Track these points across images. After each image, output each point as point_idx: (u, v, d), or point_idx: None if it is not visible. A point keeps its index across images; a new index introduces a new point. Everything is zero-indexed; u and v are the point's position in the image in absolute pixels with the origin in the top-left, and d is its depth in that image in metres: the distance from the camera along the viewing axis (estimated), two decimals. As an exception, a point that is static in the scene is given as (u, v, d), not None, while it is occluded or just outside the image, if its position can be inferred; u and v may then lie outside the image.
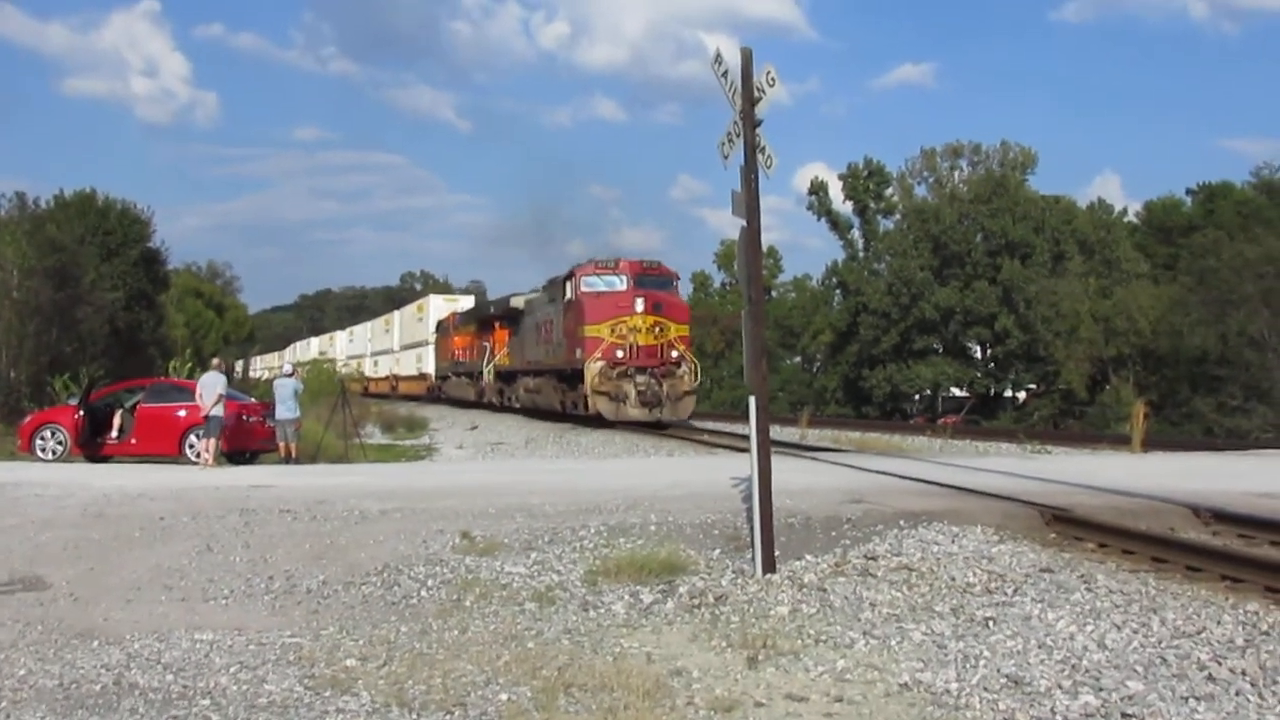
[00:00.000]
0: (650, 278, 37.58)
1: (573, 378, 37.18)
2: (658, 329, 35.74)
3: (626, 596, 9.63)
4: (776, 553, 10.63)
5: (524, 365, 44.45)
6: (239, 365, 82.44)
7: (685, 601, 9.48)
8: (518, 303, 46.06)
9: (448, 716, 6.70)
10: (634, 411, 34.29)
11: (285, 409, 24.74)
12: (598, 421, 37.77)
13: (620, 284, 36.77)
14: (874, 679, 7.34)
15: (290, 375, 26.22)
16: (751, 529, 10.70)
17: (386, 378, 78.74)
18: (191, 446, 23.34)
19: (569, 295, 37.69)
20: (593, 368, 34.62)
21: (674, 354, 35.63)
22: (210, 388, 22.81)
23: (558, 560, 11.00)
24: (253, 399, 28.01)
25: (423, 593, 10.02)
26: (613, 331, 34.96)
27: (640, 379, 34.60)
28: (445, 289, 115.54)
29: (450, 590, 10.03)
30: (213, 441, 22.63)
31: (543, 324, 41.50)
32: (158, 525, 12.90)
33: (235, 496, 14.71)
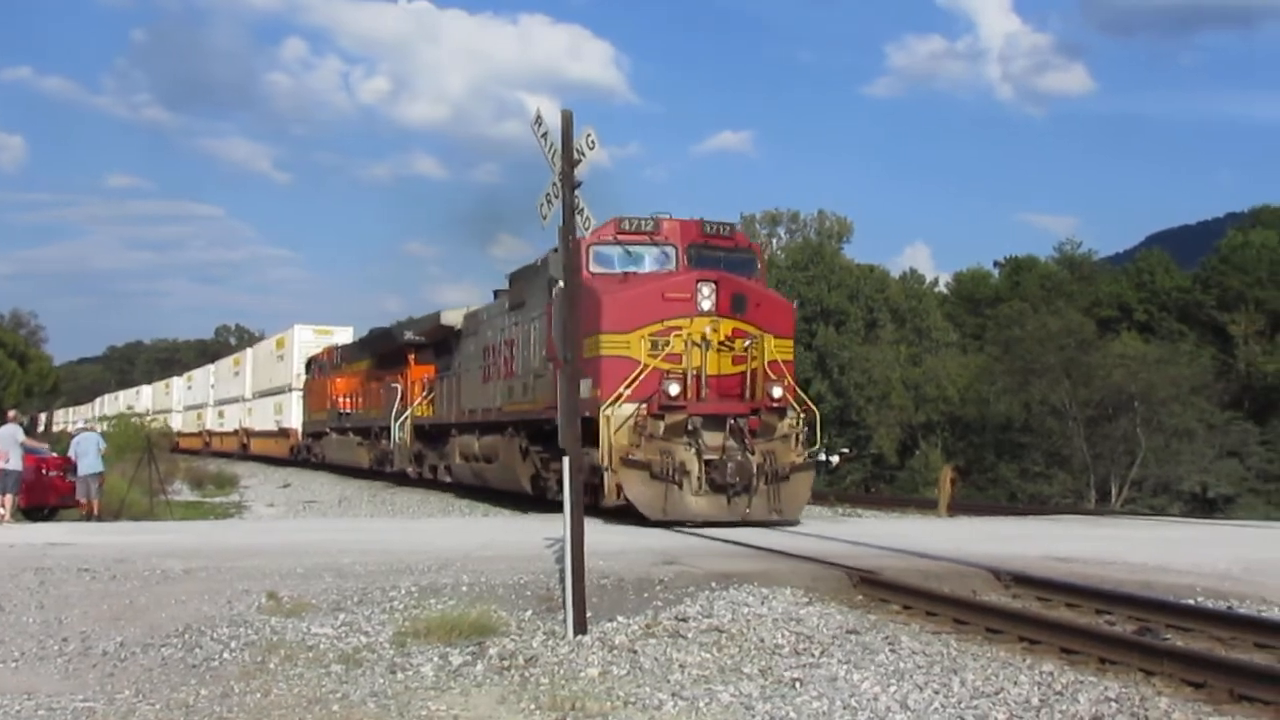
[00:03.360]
0: (718, 251, 21.24)
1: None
2: (743, 343, 19.70)
3: (436, 658, 9.47)
4: (588, 614, 10.59)
5: (463, 416, 27.83)
6: (42, 418, 78.67)
7: (495, 663, 9.36)
8: (451, 319, 29.82)
9: (246, 783, 6.46)
10: (699, 504, 18.64)
11: (87, 464, 23.89)
12: (513, 500, 25.91)
13: (665, 260, 20.72)
14: (682, 741, 7.33)
15: (91, 429, 25.42)
16: (564, 590, 10.67)
17: (235, 433, 61.37)
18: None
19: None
20: (615, 416, 18.85)
21: (774, 392, 19.55)
22: (6, 441, 21.93)
23: (366, 621, 10.78)
24: (54, 453, 26.94)
25: (225, 655, 9.68)
26: (654, 347, 19.09)
27: (712, 438, 18.77)
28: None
29: (254, 652, 9.72)
30: (9, 497, 21.73)
31: (501, 346, 25.39)
32: (-57, 584, 12.27)
33: (31, 554, 14.10)
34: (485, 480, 27.05)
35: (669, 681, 8.79)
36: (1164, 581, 13.03)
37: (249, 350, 65.32)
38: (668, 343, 19.14)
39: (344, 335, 49.43)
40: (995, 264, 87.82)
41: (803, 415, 20.23)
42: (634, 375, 18.89)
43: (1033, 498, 49.71)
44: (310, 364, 46.74)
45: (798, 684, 8.62)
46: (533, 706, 8.12)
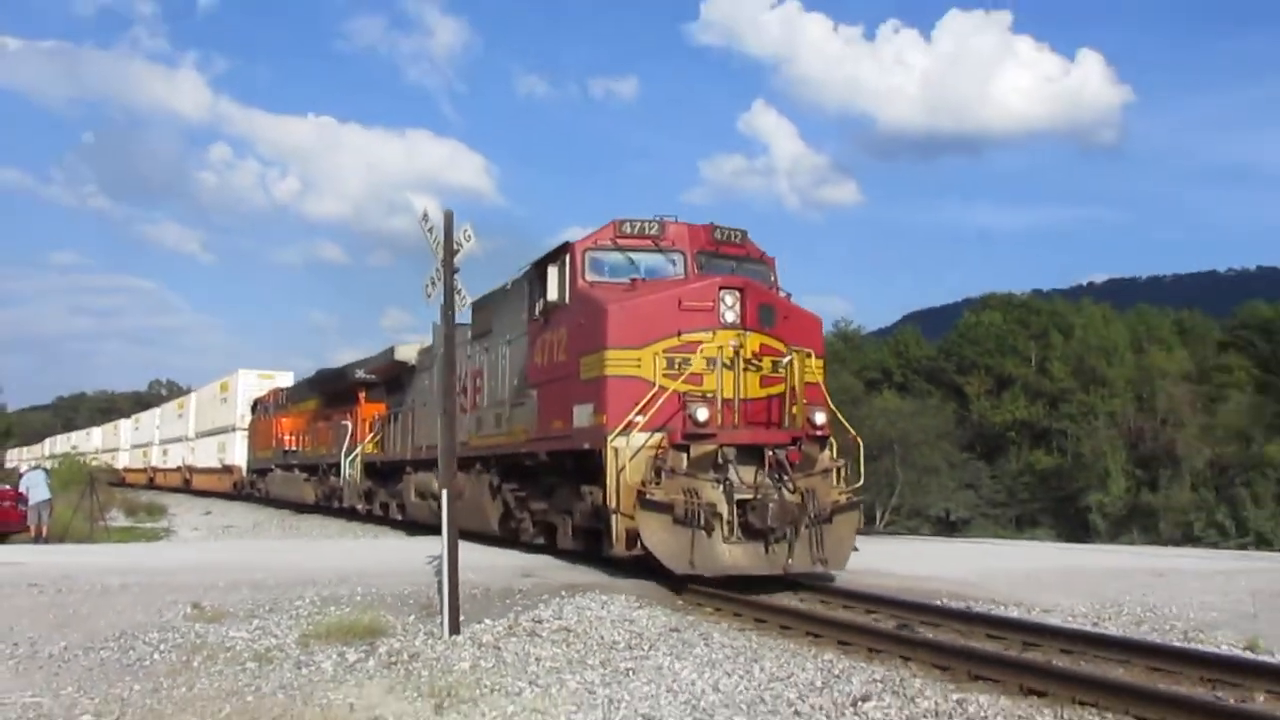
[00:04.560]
0: (729, 260, 15.01)
1: (550, 474, 15.47)
2: (771, 362, 13.81)
3: (335, 656, 9.23)
4: (461, 618, 10.46)
5: (419, 453, 21.95)
6: (-4, 457, 74.61)
7: (384, 659, 9.17)
8: (405, 354, 24.16)
9: (172, 763, 6.21)
10: (733, 554, 12.70)
11: (37, 494, 22.90)
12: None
13: (671, 269, 14.70)
14: (537, 720, 7.27)
15: (40, 467, 24.57)
16: (441, 599, 10.51)
17: (178, 469, 54.45)
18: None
19: (555, 294, 14.96)
20: (625, 448, 13.01)
21: (817, 419, 13.85)
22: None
23: (276, 626, 10.46)
24: (7, 486, 25.69)
25: (155, 655, 9.30)
26: (670, 365, 13.44)
27: (743, 474, 12.96)
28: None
29: (180, 653, 9.36)
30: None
31: (463, 378, 18.91)
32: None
33: (-16, 573, 13.36)
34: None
35: (527, 672, 8.72)
36: (919, 587, 13.33)
37: (192, 394, 58.85)
38: (686, 361, 13.12)
39: (285, 379, 43.18)
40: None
41: (851, 445, 14.34)
42: (647, 399, 12.85)
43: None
44: (256, 405, 41.29)
45: (631, 673, 8.62)
46: (415, 694, 7.99)
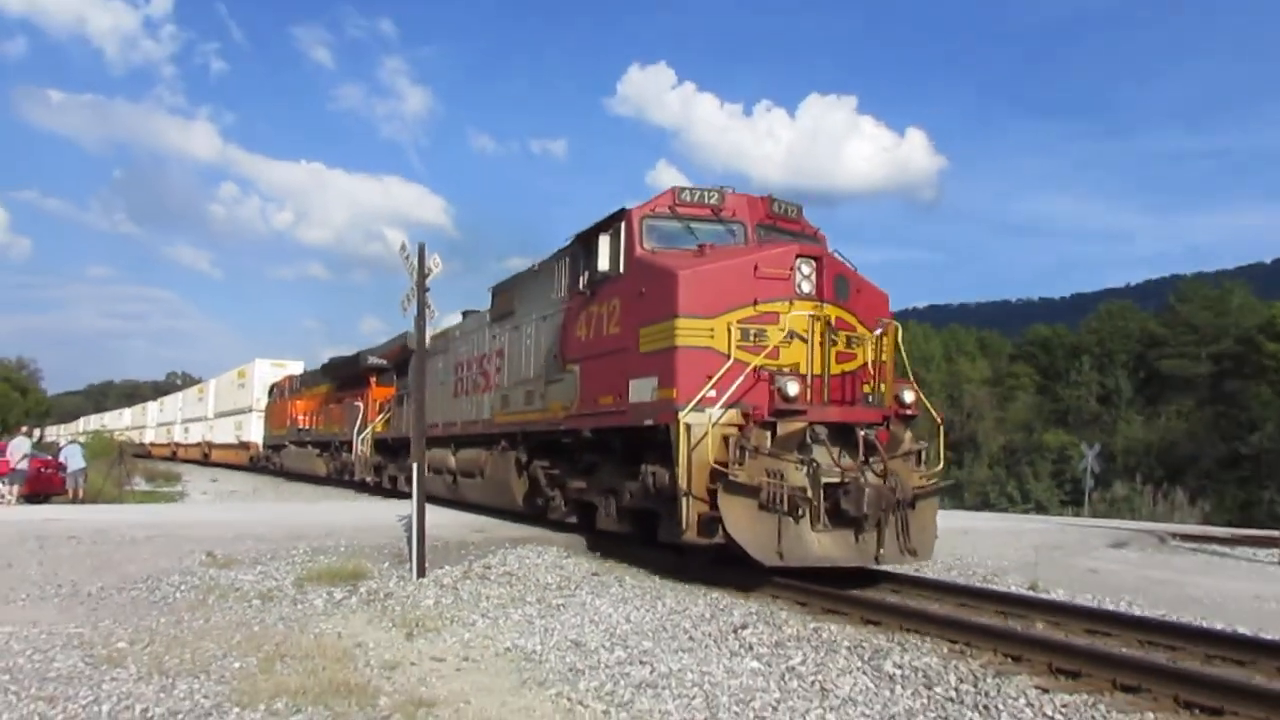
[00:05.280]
0: (785, 235, 11.09)
1: (591, 451, 12.00)
2: (847, 338, 10.12)
3: (324, 594, 9.12)
4: (427, 564, 10.38)
5: (431, 429, 16.97)
6: (37, 433, 71.47)
7: (364, 597, 9.09)
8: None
9: (194, 680, 6.11)
10: (822, 543, 9.16)
11: (75, 463, 22.11)
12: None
13: (731, 241, 10.88)
14: (488, 645, 7.29)
15: (73, 442, 23.73)
16: (410, 549, 10.42)
17: (198, 444, 51.60)
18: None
19: (607, 264, 11.20)
20: (698, 424, 9.35)
21: (906, 397, 10.25)
22: (17, 449, 20.14)
23: (276, 571, 10.27)
24: (49, 456, 24.72)
25: (177, 594, 9.10)
26: (745, 337, 9.70)
27: (826, 455, 9.37)
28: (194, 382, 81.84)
29: (198, 592, 9.16)
30: (16, 487, 19.84)
31: (482, 359, 16.02)
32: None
33: (32, 527, 12.81)
34: (461, 495, 16.70)
35: (479, 607, 8.71)
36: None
37: (211, 381, 54.80)
38: (762, 332, 9.78)
39: (296, 368, 40.12)
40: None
41: (935, 428, 10.94)
42: (722, 372, 9.51)
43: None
44: (272, 389, 38.23)
45: (561, 608, 8.67)
46: (390, 625, 7.94)
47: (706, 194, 11.04)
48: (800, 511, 9.13)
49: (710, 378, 9.45)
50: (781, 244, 10.50)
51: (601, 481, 11.79)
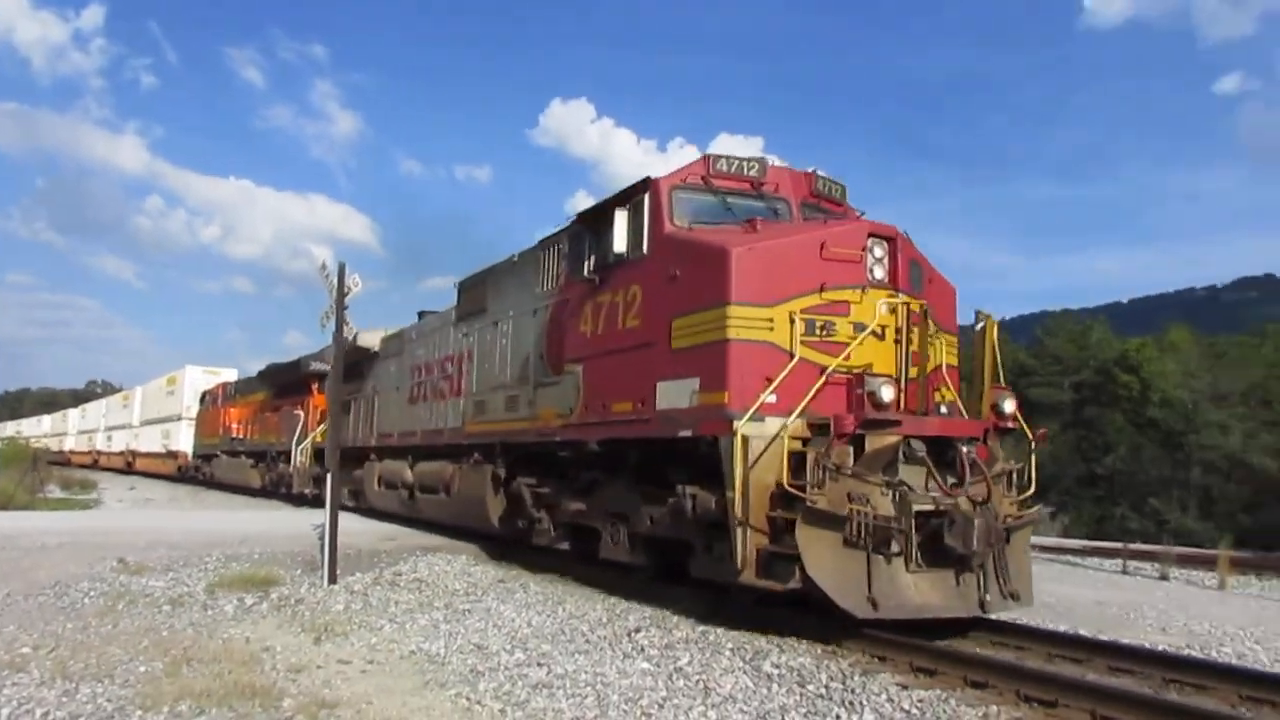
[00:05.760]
0: (830, 217, 8.90)
1: (593, 467, 9.70)
2: (919, 334, 7.90)
3: (235, 601, 8.90)
4: (338, 571, 10.22)
5: (386, 439, 16.12)
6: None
7: (275, 603, 8.90)
8: (368, 341, 17.69)
9: (99, 684, 5.92)
10: (920, 588, 7.12)
11: None
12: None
13: (775, 217, 8.71)
14: (394, 648, 7.24)
15: None
16: (322, 557, 10.25)
17: (122, 453, 47.27)
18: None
19: (624, 245, 8.87)
20: (759, 436, 7.28)
21: (1006, 407, 8.11)
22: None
23: (188, 577, 9.98)
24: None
25: (86, 600, 8.76)
26: (810, 331, 7.62)
27: (914, 475, 7.32)
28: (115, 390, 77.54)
29: (107, 599, 8.83)
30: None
31: (444, 362, 13.80)
32: None
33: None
34: (420, 512, 14.37)
35: (388, 612, 8.63)
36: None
37: (138, 388, 49.93)
38: (829, 325, 7.82)
39: (229, 375, 36.43)
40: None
41: (1029, 444, 8.53)
42: (785, 372, 7.52)
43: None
44: (204, 396, 34.80)
45: (467, 613, 8.64)
46: (299, 630, 7.82)
47: (745, 164, 9.07)
48: (894, 548, 7.13)
49: (769, 379, 7.45)
50: (849, 220, 8.65)
51: (607, 503, 9.67)
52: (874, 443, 7.28)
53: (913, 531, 7.18)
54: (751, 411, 7.33)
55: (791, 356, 7.56)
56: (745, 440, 7.32)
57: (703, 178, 8.89)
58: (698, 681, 6.33)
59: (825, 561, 6.96)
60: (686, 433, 7.91)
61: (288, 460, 22.36)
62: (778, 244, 7.97)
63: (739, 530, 7.34)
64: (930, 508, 7.23)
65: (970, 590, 7.42)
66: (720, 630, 7.98)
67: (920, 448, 7.39)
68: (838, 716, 5.64)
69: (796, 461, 7.27)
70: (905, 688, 6.18)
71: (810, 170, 9.31)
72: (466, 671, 6.53)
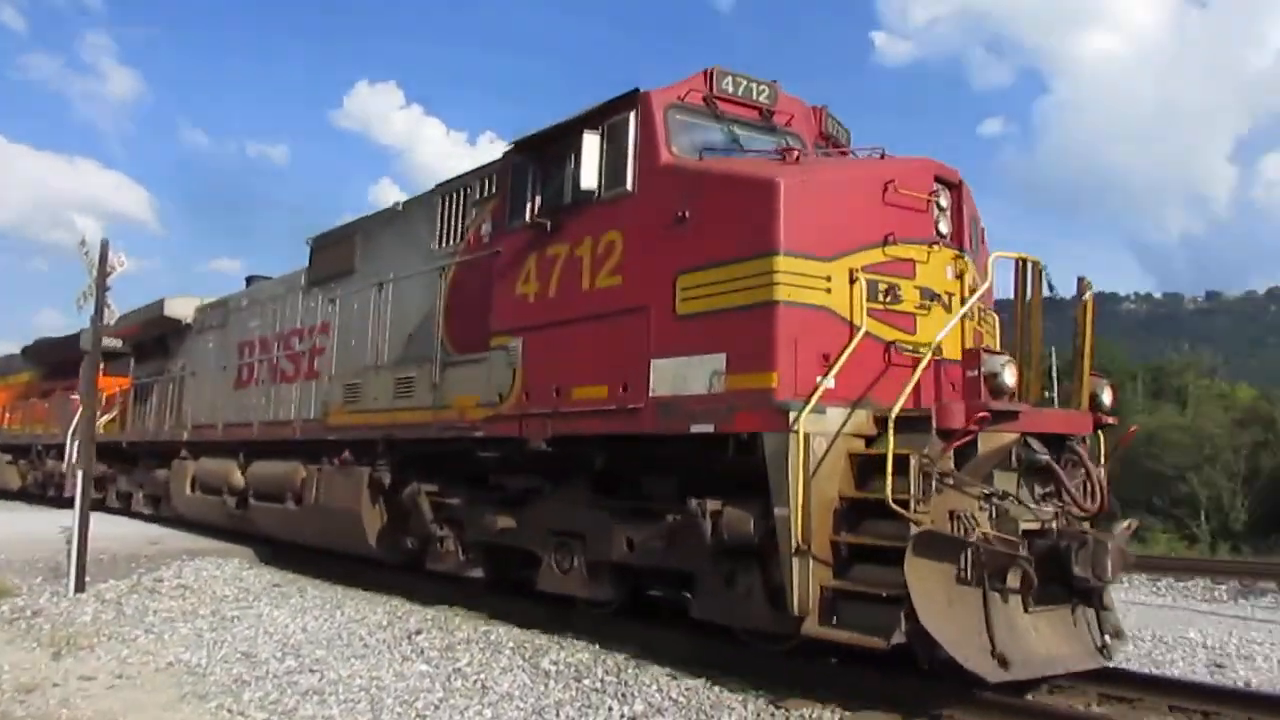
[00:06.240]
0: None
1: (528, 474, 7.45)
2: (983, 311, 6.35)
3: (-42, 615, 7.96)
4: (87, 578, 9.38)
5: (200, 433, 12.86)
6: None
7: (7, 616, 8.06)
8: (178, 310, 14.03)
9: None
10: (1043, 631, 5.30)
11: None
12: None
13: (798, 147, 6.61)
14: (149, 660, 6.76)
15: None
16: (69, 562, 9.36)
17: None
18: None
19: (592, 178, 6.64)
20: (821, 429, 5.31)
21: (1105, 397, 5.99)
22: None
23: (-100, 590, 8.81)
24: None
25: None
26: (874, 296, 5.70)
27: (1007, 484, 5.44)
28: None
29: None
30: None
31: (299, 334, 10.84)
32: None
33: None
34: (254, 526, 11.54)
35: (144, 622, 8.03)
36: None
37: None
38: (894, 290, 5.88)
39: None
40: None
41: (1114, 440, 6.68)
42: (850, 349, 5.55)
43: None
44: None
45: (236, 619, 8.19)
46: (34, 645, 7.13)
47: (755, 86, 7.08)
48: (1011, 582, 5.38)
49: (827, 358, 5.61)
50: (906, 160, 6.57)
51: (550, 520, 7.54)
52: (987, 442, 5.49)
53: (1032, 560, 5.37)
54: (814, 400, 5.43)
55: (854, 328, 5.70)
56: (807, 439, 5.40)
57: (704, 98, 6.87)
58: (476, 681, 6.32)
59: (939, 605, 5.06)
60: (705, 428, 5.86)
61: (60, 455, 17.32)
62: (836, 177, 6.26)
63: (794, 563, 5.39)
64: (1035, 526, 5.58)
65: (1085, 634, 5.71)
66: (502, 629, 7.99)
67: (1041, 450, 5.68)
68: (610, 708, 5.81)
69: (861, 467, 5.52)
70: (675, 677, 6.44)
71: (820, 106, 7.59)
72: (230, 682, 6.20)
